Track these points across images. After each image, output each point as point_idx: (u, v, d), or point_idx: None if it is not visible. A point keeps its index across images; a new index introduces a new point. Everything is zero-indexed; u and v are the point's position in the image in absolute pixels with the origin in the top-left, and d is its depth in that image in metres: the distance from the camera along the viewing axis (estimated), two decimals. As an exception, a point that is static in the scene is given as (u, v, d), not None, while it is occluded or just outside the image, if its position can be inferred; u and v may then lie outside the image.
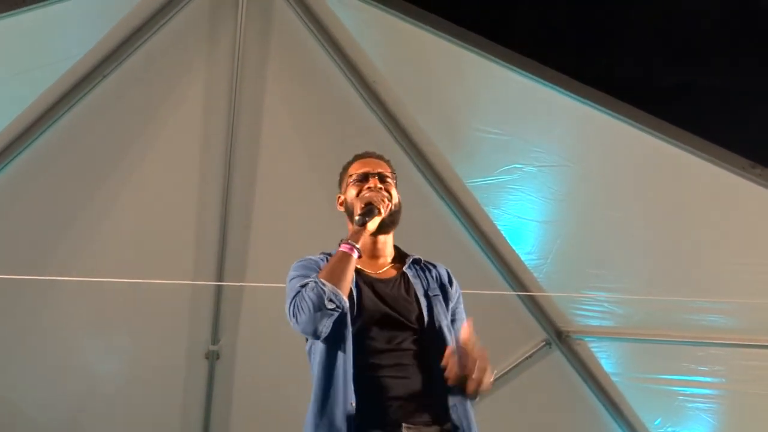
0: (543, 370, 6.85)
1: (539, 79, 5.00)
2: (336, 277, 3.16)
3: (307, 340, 3.36)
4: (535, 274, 6.34)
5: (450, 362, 3.15)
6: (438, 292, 3.50)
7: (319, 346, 3.24)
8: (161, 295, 6.37)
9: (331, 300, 3.10)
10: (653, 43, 5.14)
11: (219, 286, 6.57)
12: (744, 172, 4.93)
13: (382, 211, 3.41)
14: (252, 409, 6.98)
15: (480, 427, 7.18)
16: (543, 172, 5.69)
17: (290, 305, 3.19)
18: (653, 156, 5.19)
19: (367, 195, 3.41)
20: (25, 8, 4.78)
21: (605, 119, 5.01)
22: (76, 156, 5.94)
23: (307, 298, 3.12)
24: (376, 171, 3.56)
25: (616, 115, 4.97)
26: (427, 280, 3.53)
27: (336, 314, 3.13)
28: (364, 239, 3.36)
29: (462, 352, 3.17)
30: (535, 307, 6.60)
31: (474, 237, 6.28)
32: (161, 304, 6.57)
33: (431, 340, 3.33)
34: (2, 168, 5.72)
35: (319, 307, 3.09)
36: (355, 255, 3.24)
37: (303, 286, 3.18)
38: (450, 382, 3.16)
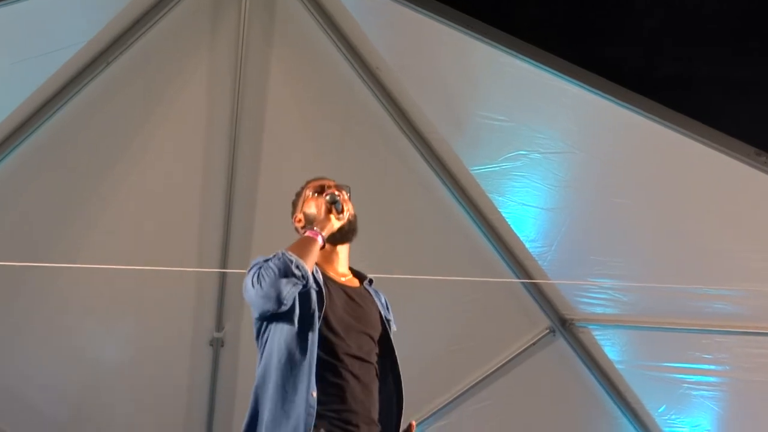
0: (547, 357, 6.85)
1: (544, 66, 4.97)
2: (302, 254, 3.19)
3: (258, 324, 3.33)
4: (540, 262, 6.33)
5: None
6: (390, 317, 3.58)
7: (284, 332, 3.21)
8: (166, 282, 6.37)
9: (298, 267, 3.12)
10: (658, 30, 5.12)
11: (223, 273, 6.58)
12: (749, 159, 4.91)
13: (345, 210, 3.44)
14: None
15: (483, 414, 7.24)
16: (547, 159, 5.67)
17: (252, 275, 3.18)
18: (658, 143, 5.16)
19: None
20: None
21: (610, 106, 4.99)
22: (80, 144, 5.95)
23: (272, 266, 3.12)
24: (333, 187, 3.57)
25: (621, 102, 4.94)
26: (382, 304, 3.60)
27: (300, 285, 3.14)
28: (325, 249, 3.41)
29: None
30: (539, 294, 6.59)
31: (478, 224, 6.27)
32: (166, 292, 6.59)
33: (387, 359, 3.42)
34: (7, 155, 5.72)
35: (285, 273, 3.10)
36: (320, 241, 3.29)
37: (267, 260, 3.18)
38: None
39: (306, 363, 3.13)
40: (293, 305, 3.17)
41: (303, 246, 3.26)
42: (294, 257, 3.14)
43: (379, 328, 3.43)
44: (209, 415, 7.29)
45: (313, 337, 3.17)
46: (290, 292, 3.12)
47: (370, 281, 3.62)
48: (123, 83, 5.76)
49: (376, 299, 3.54)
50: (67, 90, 5.59)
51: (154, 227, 6.42)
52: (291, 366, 3.15)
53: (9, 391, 6.75)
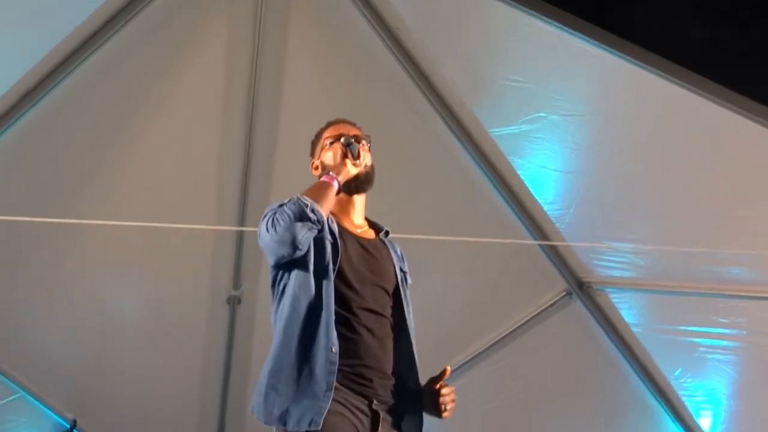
0: (563, 320, 6.87)
1: (564, 27, 4.93)
2: (317, 198, 3.14)
3: (274, 272, 3.27)
4: (557, 224, 6.32)
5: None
6: (406, 269, 3.51)
7: (298, 280, 3.15)
8: (183, 240, 6.41)
9: (313, 211, 3.07)
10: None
11: (241, 231, 6.60)
12: (771, 123, 4.87)
13: (363, 154, 3.39)
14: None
15: (499, 375, 7.27)
16: (567, 121, 5.64)
17: (267, 221, 3.12)
18: (679, 107, 5.12)
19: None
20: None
21: (631, 69, 4.94)
22: (99, 101, 5.94)
23: (287, 210, 3.07)
24: (351, 134, 3.48)
25: (642, 64, 4.90)
26: (398, 255, 3.51)
27: (315, 229, 3.09)
28: (341, 199, 3.36)
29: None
30: (557, 257, 6.60)
31: (496, 186, 6.25)
32: (183, 250, 6.62)
33: (401, 315, 3.35)
34: (25, 113, 5.71)
35: (301, 217, 3.04)
36: (336, 186, 3.24)
37: (281, 204, 3.14)
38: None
39: (323, 317, 3.08)
40: (308, 251, 3.13)
41: (318, 190, 3.20)
42: (309, 201, 3.09)
43: (394, 281, 3.36)
44: (225, 371, 7.36)
45: (329, 289, 3.12)
46: (306, 236, 3.07)
47: (386, 233, 3.54)
48: (142, 41, 5.73)
49: (391, 251, 3.47)
50: (86, 47, 5.56)
51: (172, 185, 6.43)
52: (308, 318, 3.10)
53: (27, 345, 6.83)
